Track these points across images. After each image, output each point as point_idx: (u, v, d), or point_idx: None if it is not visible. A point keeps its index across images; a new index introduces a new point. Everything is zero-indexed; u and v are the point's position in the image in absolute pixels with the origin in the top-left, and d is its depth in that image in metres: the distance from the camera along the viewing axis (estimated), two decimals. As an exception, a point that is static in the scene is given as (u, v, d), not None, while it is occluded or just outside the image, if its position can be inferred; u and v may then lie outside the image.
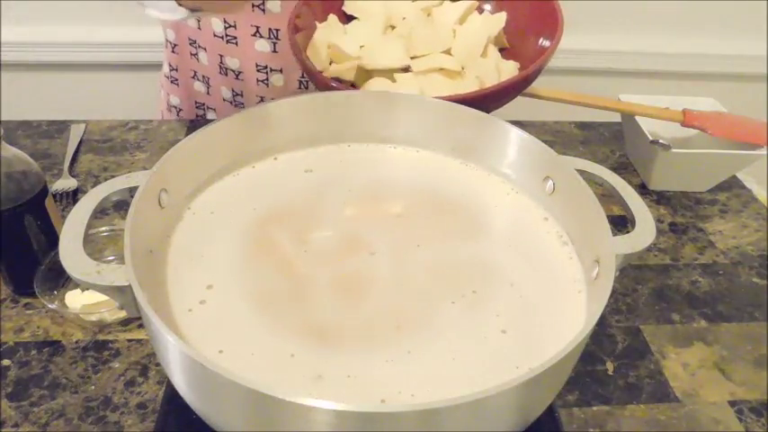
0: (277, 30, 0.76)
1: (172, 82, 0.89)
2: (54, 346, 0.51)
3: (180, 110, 0.91)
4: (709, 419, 0.49)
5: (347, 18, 0.68)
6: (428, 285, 0.42)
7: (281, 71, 0.78)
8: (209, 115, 0.89)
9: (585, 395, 0.50)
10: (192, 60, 0.83)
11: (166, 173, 0.42)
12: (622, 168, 0.79)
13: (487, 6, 0.68)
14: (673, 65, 1.35)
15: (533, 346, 0.38)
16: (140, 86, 1.25)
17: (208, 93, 0.87)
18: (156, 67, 0.97)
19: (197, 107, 0.89)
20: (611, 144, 0.84)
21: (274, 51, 0.77)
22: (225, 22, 0.76)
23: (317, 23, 0.64)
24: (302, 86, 0.80)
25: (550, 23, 0.61)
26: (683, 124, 0.74)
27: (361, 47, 0.62)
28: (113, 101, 1.28)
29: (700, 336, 0.57)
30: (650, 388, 0.51)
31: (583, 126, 0.87)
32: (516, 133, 0.48)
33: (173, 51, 0.85)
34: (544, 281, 0.43)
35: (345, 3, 0.68)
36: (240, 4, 0.50)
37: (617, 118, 0.81)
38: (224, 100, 0.86)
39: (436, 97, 0.52)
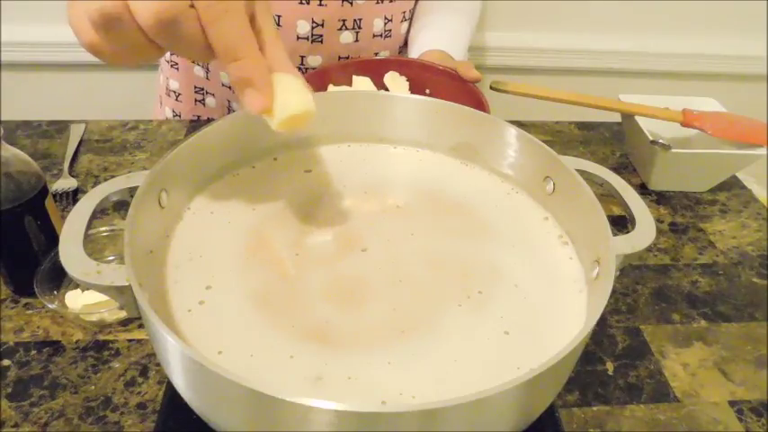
0: (279, 16, 0.77)
1: (171, 66, 0.90)
2: (54, 346, 0.51)
3: (179, 94, 0.91)
4: (710, 419, 0.49)
5: None
6: (432, 285, 0.41)
7: None
8: (208, 100, 0.90)
9: (585, 395, 0.50)
10: None
11: (166, 173, 0.42)
12: (622, 168, 0.79)
13: None
14: (673, 65, 1.35)
15: (534, 347, 0.38)
16: (140, 86, 1.25)
17: (207, 77, 0.87)
18: (156, 67, 0.97)
19: (196, 92, 0.89)
20: (611, 144, 0.84)
21: None
22: None
23: None
24: (301, 72, 0.83)
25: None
26: (683, 124, 0.74)
27: None
28: (113, 101, 1.28)
29: (700, 336, 0.57)
30: (650, 388, 0.51)
31: (583, 126, 0.87)
32: (516, 133, 0.48)
33: None
34: (544, 281, 0.43)
35: None
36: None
37: (617, 118, 0.81)
38: (223, 85, 0.87)
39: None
